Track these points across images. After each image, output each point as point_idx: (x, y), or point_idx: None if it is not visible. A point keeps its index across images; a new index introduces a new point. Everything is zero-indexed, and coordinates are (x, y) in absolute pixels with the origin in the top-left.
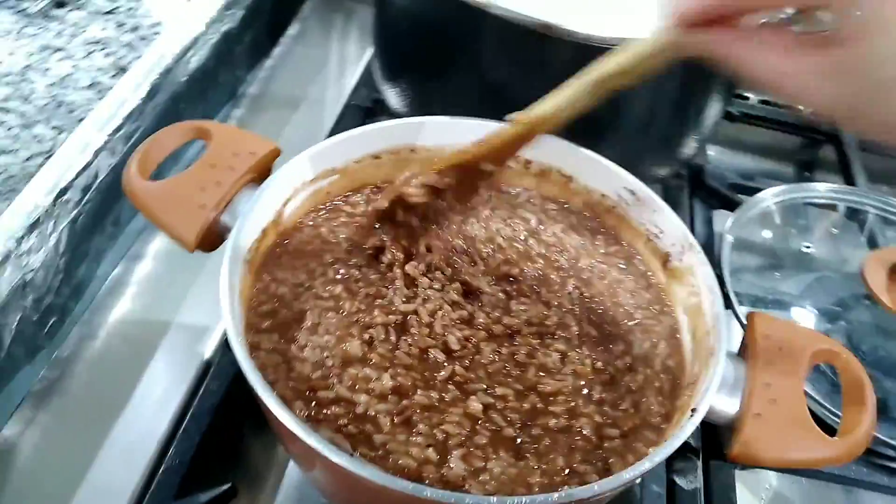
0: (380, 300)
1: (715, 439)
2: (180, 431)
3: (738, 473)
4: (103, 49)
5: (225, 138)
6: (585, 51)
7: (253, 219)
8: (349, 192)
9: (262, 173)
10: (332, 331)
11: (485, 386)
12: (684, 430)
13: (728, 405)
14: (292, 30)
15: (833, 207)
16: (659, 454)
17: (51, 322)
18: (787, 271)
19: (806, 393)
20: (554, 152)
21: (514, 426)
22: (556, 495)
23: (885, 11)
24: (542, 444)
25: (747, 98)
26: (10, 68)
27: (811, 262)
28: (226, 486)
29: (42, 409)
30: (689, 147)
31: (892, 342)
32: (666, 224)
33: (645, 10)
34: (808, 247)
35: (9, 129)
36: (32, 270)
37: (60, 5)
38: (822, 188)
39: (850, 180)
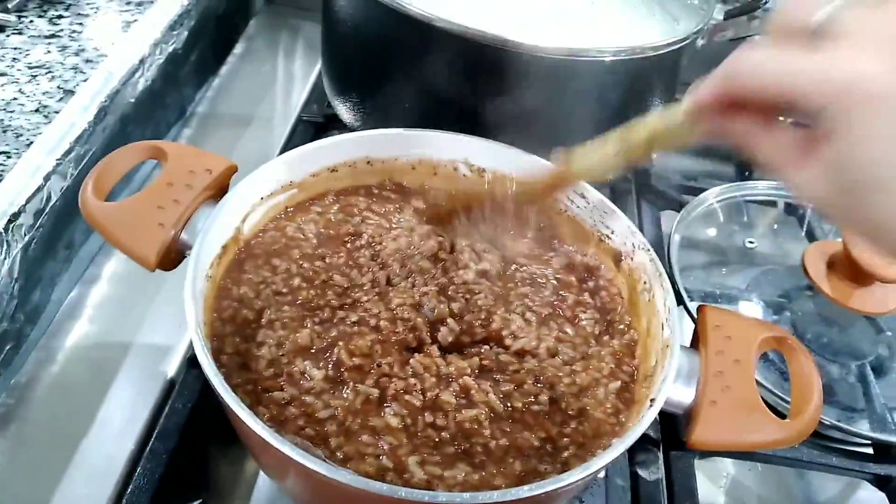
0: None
1: (674, 430)
2: (147, 451)
3: (697, 463)
4: (48, 73)
5: (180, 157)
6: (530, 62)
7: (212, 236)
8: (309, 202)
9: (219, 190)
10: (286, 324)
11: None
12: (644, 420)
13: (684, 395)
14: (238, 48)
15: (773, 204)
16: (622, 444)
17: (6, 349)
18: (733, 266)
19: (757, 381)
20: (506, 159)
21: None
22: (525, 488)
23: (850, 112)
24: (495, 454)
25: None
26: None
27: (755, 256)
28: (197, 503)
29: (0, 436)
30: None
31: (834, 329)
32: (616, 225)
33: (582, 21)
34: (751, 242)
35: None
36: None
37: (0, 30)
38: (762, 186)
39: None
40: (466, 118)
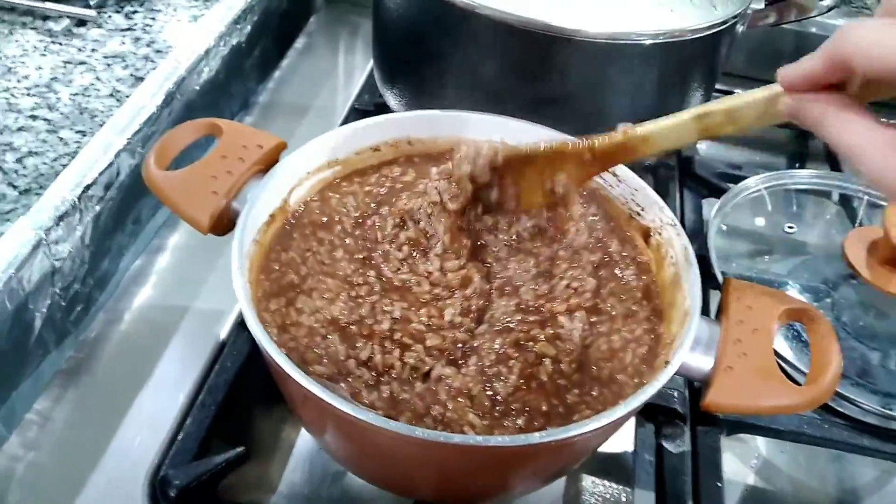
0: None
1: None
2: (197, 403)
3: (727, 442)
4: (122, 62)
5: (235, 133)
6: (572, 47)
7: (260, 204)
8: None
9: (269, 164)
10: (325, 295)
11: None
12: (659, 380)
13: (703, 362)
14: (300, 43)
15: (818, 193)
16: (636, 399)
17: (77, 309)
18: (774, 255)
19: (778, 354)
20: (543, 140)
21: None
22: (537, 434)
23: None
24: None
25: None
26: (37, 81)
27: (796, 244)
28: (239, 450)
29: (71, 387)
30: None
31: (874, 315)
32: (645, 201)
33: (623, 7)
34: (791, 229)
35: (37, 133)
36: (60, 259)
37: (81, 24)
38: (805, 174)
39: (836, 168)
40: (508, 103)
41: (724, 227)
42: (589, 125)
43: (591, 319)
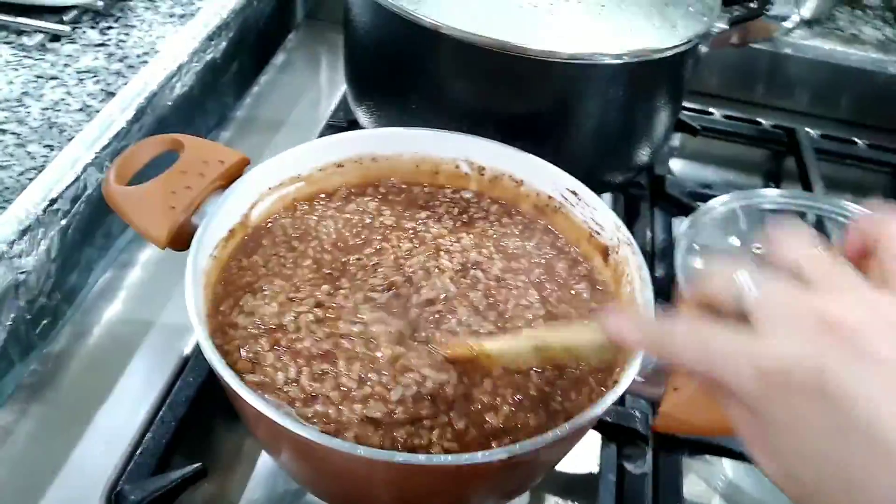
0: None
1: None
2: (157, 418)
3: (691, 464)
4: (94, 77)
5: (196, 149)
6: (536, 66)
7: (219, 219)
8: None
9: (230, 180)
10: (267, 294)
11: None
12: (605, 401)
13: (654, 383)
14: (278, 59)
15: (789, 213)
16: (579, 419)
17: (43, 323)
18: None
19: None
20: (504, 158)
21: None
22: (480, 454)
23: (772, 399)
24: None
25: (711, 113)
26: (8, 95)
27: (766, 265)
28: (197, 466)
29: (34, 401)
30: (641, 155)
31: None
32: (604, 220)
33: (584, 29)
34: (758, 248)
35: (5, 147)
36: (24, 273)
37: (55, 39)
38: (773, 193)
39: (807, 188)
40: (474, 122)
41: (693, 247)
42: (557, 145)
43: (551, 324)
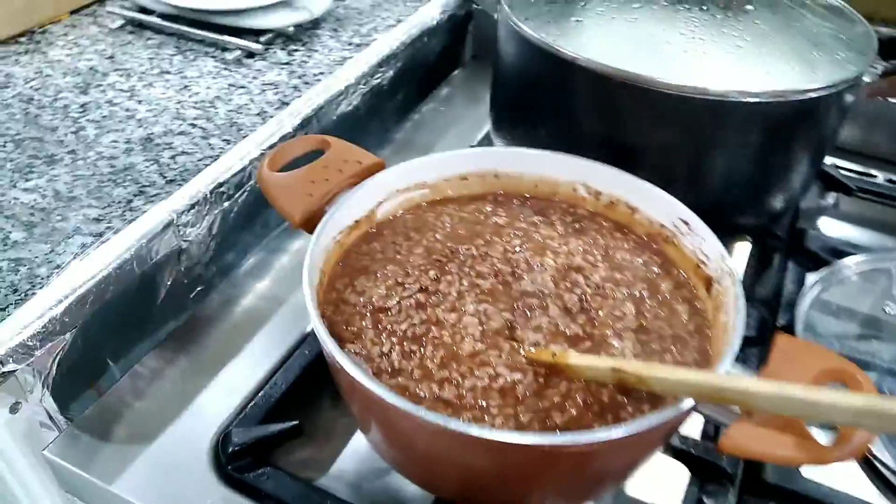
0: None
1: (755, 472)
2: (271, 380)
3: None
4: (275, 89)
5: (340, 150)
6: (666, 101)
7: (346, 209)
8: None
9: (364, 178)
10: (379, 277)
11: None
12: (668, 411)
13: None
14: (443, 92)
15: None
16: (652, 418)
17: (197, 289)
18: (873, 336)
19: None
20: (620, 184)
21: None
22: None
23: None
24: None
25: (874, 176)
26: (204, 97)
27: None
28: (294, 423)
29: (179, 351)
30: (772, 201)
31: None
32: (711, 251)
33: (720, 65)
34: (890, 309)
35: (192, 138)
36: (187, 241)
37: (250, 56)
38: None
39: None
40: (603, 154)
41: (821, 302)
42: (685, 182)
43: (641, 338)
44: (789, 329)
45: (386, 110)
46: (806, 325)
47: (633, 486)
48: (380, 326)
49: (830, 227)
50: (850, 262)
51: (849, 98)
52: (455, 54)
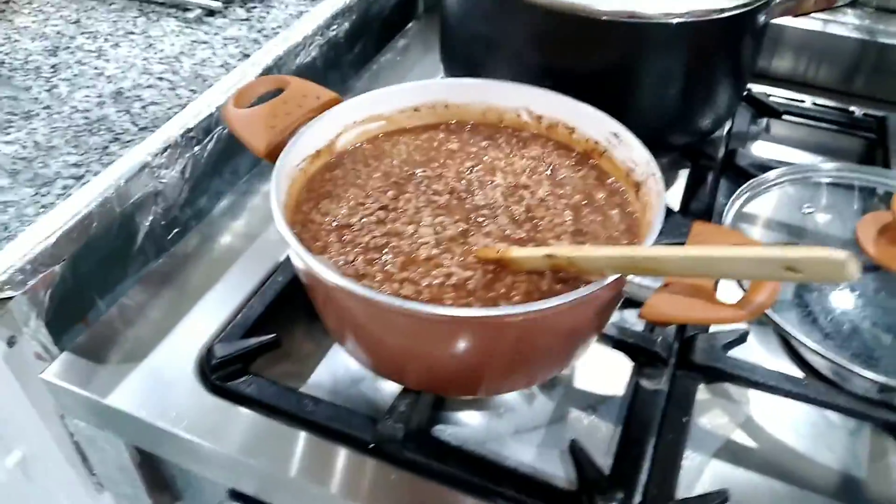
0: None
1: (684, 353)
2: (249, 303)
3: (716, 400)
4: (235, 43)
5: (299, 87)
6: (591, 25)
7: (306, 139)
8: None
9: (323, 112)
10: (342, 201)
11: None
12: (592, 286)
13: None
14: (399, 43)
15: (843, 186)
16: (578, 292)
17: (174, 231)
18: (789, 238)
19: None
20: (558, 106)
21: None
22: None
23: None
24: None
25: (802, 101)
26: (169, 53)
27: (814, 231)
28: (272, 336)
29: (162, 284)
30: (701, 121)
31: (884, 295)
32: (638, 158)
33: None
34: (810, 210)
35: (160, 91)
36: (163, 183)
37: (210, 14)
38: (832, 166)
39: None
40: (545, 81)
41: (744, 211)
42: (619, 104)
43: (578, 240)
44: None
45: (344, 62)
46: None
47: (581, 379)
48: (344, 240)
49: (762, 149)
50: (772, 175)
51: (761, 18)
52: (409, 7)
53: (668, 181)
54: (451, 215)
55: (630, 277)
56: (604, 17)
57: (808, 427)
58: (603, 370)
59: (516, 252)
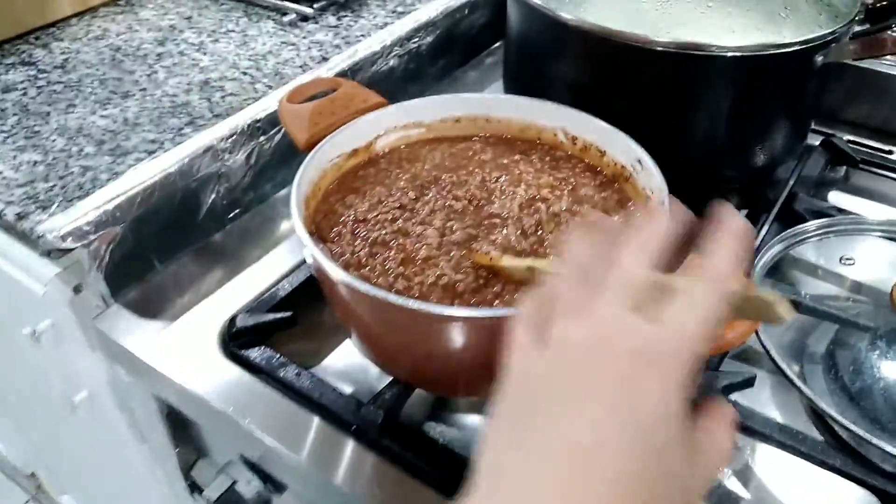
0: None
1: None
2: (280, 283)
3: None
4: (319, 47)
5: (349, 89)
6: (646, 56)
7: (344, 137)
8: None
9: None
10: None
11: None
12: None
13: None
14: (488, 61)
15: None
16: None
17: (236, 211)
18: (824, 285)
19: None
20: (591, 128)
21: None
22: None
23: None
24: None
25: (890, 152)
26: (258, 52)
27: (850, 281)
28: (288, 314)
29: (214, 254)
30: (754, 157)
31: None
32: (655, 186)
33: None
34: (849, 262)
35: (241, 83)
36: (227, 166)
37: (304, 19)
38: (882, 219)
39: None
40: (591, 106)
41: (782, 256)
42: (665, 133)
43: None
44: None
45: (427, 74)
46: (765, 274)
47: None
48: (356, 233)
49: (837, 198)
50: (817, 223)
51: (820, 57)
52: (498, 27)
53: None
54: (463, 220)
55: None
56: (658, 48)
57: (812, 485)
58: None
59: (505, 261)
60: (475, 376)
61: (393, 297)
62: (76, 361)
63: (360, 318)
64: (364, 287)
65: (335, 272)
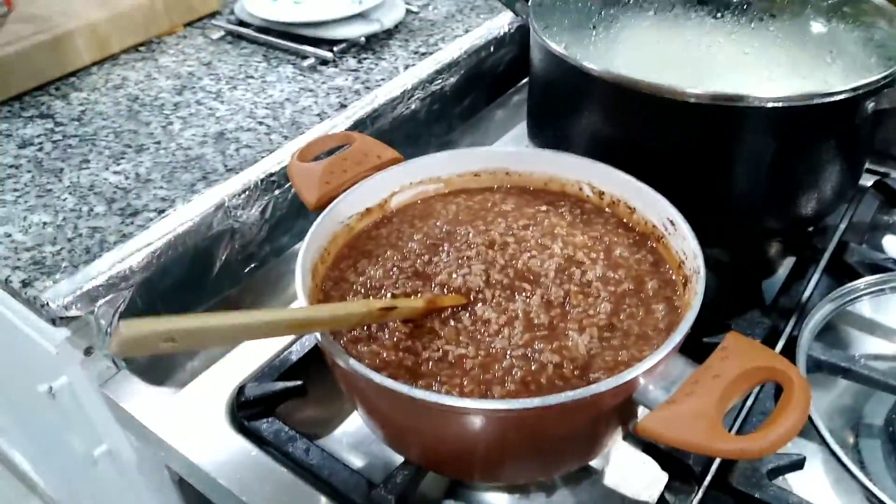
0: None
1: (722, 474)
2: (289, 349)
3: None
4: (338, 93)
5: (363, 144)
6: (683, 109)
7: (357, 196)
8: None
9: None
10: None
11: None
12: (609, 382)
13: (660, 395)
14: (515, 98)
15: None
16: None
17: (252, 265)
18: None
19: None
20: (620, 184)
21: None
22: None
23: None
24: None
25: None
26: (276, 99)
27: None
28: (298, 383)
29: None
30: (802, 207)
31: None
32: (688, 250)
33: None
34: None
35: (257, 134)
36: (240, 222)
37: (324, 63)
38: None
39: None
40: (621, 158)
41: (835, 315)
42: (700, 186)
43: (604, 334)
44: (793, 341)
45: (452, 115)
46: (812, 336)
47: (613, 477)
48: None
49: (890, 244)
50: (873, 279)
51: (869, 105)
52: (524, 62)
53: (770, 272)
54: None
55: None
56: (691, 100)
57: None
58: (642, 473)
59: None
60: (491, 464)
61: (398, 386)
62: (93, 417)
63: (367, 401)
64: (369, 374)
65: (332, 351)
